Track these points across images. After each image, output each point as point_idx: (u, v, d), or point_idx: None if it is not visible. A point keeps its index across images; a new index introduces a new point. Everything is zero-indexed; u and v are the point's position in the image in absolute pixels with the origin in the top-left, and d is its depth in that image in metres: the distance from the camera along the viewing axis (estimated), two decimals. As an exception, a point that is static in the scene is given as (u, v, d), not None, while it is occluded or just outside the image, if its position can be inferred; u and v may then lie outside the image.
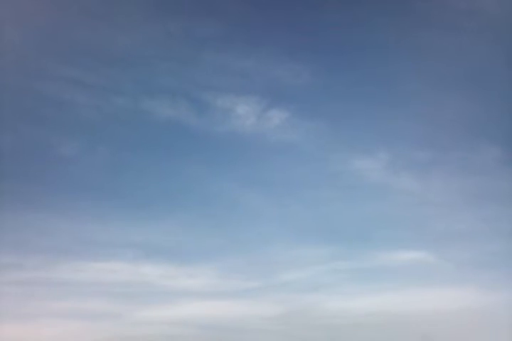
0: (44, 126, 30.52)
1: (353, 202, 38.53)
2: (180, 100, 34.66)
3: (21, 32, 28.55)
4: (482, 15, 30.41)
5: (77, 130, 32.67)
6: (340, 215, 38.39)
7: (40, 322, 24.87)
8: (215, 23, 32.43)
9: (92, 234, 30.67)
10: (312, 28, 34.73)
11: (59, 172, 31.59)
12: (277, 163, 39.53)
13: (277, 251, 37.32)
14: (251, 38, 34.28)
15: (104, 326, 26.91)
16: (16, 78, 29.24)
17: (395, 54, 36.09)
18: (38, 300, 25.29)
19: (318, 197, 38.34)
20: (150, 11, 32.22)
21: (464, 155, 38.55)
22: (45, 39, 30.27)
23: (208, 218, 37.26)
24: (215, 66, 34.31)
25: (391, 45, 33.94)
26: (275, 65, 35.99)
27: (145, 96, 33.31)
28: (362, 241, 37.58)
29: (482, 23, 30.77)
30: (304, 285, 35.77)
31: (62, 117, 31.62)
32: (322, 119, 37.96)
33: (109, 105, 32.79)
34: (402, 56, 35.33)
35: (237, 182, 38.70)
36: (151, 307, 29.00)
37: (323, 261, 37.20)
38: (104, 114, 32.67)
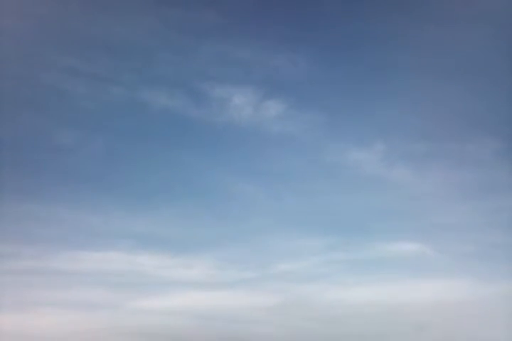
0: (42, 115, 30.54)
1: (350, 193, 38.59)
2: (177, 90, 34.69)
3: (20, 21, 28.52)
4: (479, 5, 30.25)
5: (75, 120, 32.71)
6: (336, 207, 38.47)
7: (38, 312, 25.05)
8: (213, 14, 32.32)
9: (90, 224, 30.81)
10: (311, 19, 34.61)
11: (57, 162, 31.65)
12: (274, 155, 39.57)
13: (274, 242, 37.48)
14: (249, 28, 34.15)
15: (101, 316, 27.14)
16: (14, 67, 29.23)
17: (392, 46, 36.00)
18: (36, 289, 25.46)
19: (314, 188, 38.43)
20: (148, 1, 32.13)
21: (462, 147, 38.51)
22: (44, 29, 30.21)
23: (205, 209, 37.40)
24: (212, 56, 34.24)
25: (389, 38, 33.81)
26: (273, 55, 35.94)
27: (142, 87, 33.25)
28: (358, 233, 37.70)
29: (479, 13, 30.62)
30: (300, 276, 35.93)
31: (60, 107, 31.62)
32: (319, 111, 37.96)
33: (106, 95, 32.79)
34: (400, 48, 35.24)
35: (234, 174, 38.83)
36: (148, 297, 29.21)
37: (319, 251, 37.34)
38: (102, 104, 32.65)
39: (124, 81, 32.97)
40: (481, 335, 31.25)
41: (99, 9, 30.69)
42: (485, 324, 32.24)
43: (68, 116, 32.12)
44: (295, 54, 36.01)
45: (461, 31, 33.30)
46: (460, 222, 36.62)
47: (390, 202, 37.69)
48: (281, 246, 37.05)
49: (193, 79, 34.77)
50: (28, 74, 30.06)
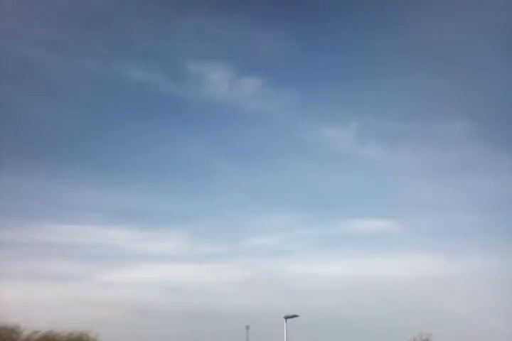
0: (15, 86, 30.12)
1: (323, 170, 38.82)
2: (153, 64, 34.32)
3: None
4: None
5: (48, 91, 32.25)
6: (309, 184, 38.72)
7: (10, 283, 25.01)
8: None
9: (62, 197, 30.66)
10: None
11: (30, 134, 31.29)
12: (249, 132, 39.51)
13: (246, 217, 37.64)
14: (230, 4, 33.80)
15: (71, 288, 27.15)
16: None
17: (369, 27, 36.01)
18: (7, 261, 25.39)
19: (288, 165, 38.55)
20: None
21: (433, 126, 38.92)
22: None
23: (179, 183, 37.29)
24: (190, 31, 33.85)
25: (367, 19, 33.79)
26: (251, 33, 35.61)
27: (118, 59, 32.85)
28: (330, 209, 38.03)
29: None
30: (270, 251, 36.27)
31: (33, 77, 31.17)
32: (295, 89, 37.91)
33: (80, 66, 32.38)
34: (376, 29, 35.27)
35: (210, 150, 38.73)
36: (119, 270, 29.22)
37: (290, 227, 37.61)
38: (76, 75, 32.23)
39: (98, 52, 32.57)
40: (444, 308, 31.89)
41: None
42: (448, 298, 32.85)
43: (40, 87, 31.67)
44: (273, 32, 35.72)
45: (438, 13, 33.38)
46: (427, 200, 37.08)
47: (362, 179, 37.95)
48: (253, 221, 37.13)
49: (170, 53, 34.39)
50: (1, 45, 29.55)
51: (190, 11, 31.33)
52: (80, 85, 30.30)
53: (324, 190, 37.33)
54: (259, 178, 37.25)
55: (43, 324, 24.20)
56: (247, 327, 41.71)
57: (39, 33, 28.98)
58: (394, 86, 35.59)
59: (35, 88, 29.65)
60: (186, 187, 36.90)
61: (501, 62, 36.43)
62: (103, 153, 31.25)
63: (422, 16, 32.91)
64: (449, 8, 32.04)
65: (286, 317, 14.41)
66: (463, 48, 33.91)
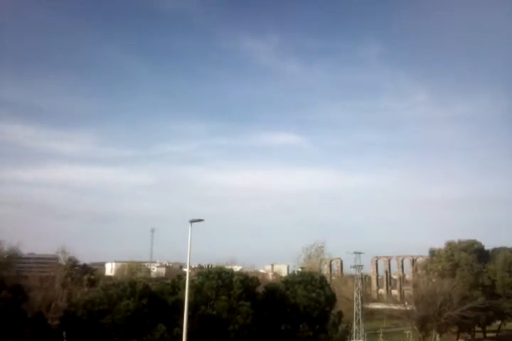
0: None
1: (241, 82, 39.22)
2: None
3: None
4: None
5: None
6: (225, 94, 39.15)
7: None
8: None
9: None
10: None
11: None
12: (165, 33, 37.88)
13: (160, 123, 37.49)
14: None
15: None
16: None
17: None
18: None
19: (207, 73, 38.19)
20: None
21: (351, 47, 40.44)
22: None
23: (88, 82, 35.50)
24: None
25: None
26: None
27: None
28: (244, 121, 39.44)
29: None
30: (182, 158, 37.11)
31: None
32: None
33: None
34: None
35: (124, 49, 36.77)
36: (22, 168, 28.46)
37: (204, 136, 38.45)
38: None
39: None
40: (338, 217, 35.73)
41: None
42: (344, 209, 36.81)
43: None
44: None
45: None
46: (337, 118, 39.73)
47: (277, 94, 39.21)
48: (166, 127, 37.20)
49: None
50: None
51: None
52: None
53: (241, 102, 37.89)
54: (177, 84, 36.44)
55: None
56: (153, 230, 43.91)
57: None
58: (318, 4, 35.44)
59: None
60: (94, 85, 35.17)
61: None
62: (4, 43, 28.79)
63: None
64: None
65: (192, 221, 15.18)
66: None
